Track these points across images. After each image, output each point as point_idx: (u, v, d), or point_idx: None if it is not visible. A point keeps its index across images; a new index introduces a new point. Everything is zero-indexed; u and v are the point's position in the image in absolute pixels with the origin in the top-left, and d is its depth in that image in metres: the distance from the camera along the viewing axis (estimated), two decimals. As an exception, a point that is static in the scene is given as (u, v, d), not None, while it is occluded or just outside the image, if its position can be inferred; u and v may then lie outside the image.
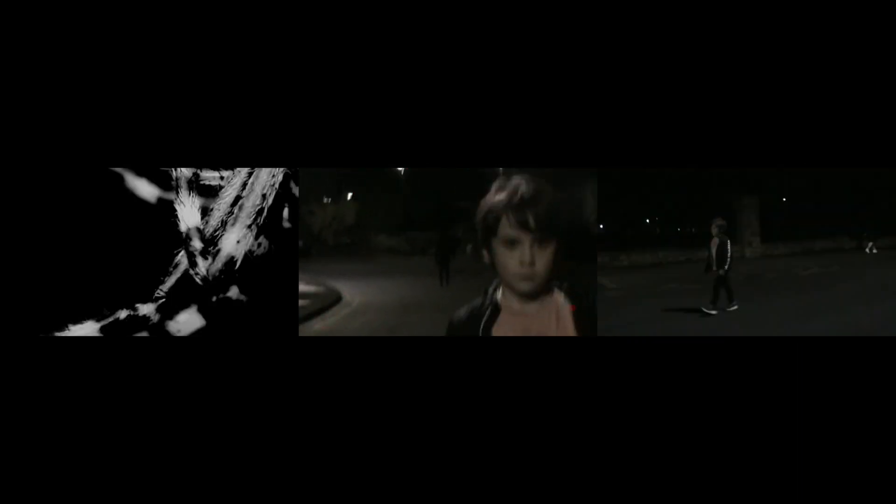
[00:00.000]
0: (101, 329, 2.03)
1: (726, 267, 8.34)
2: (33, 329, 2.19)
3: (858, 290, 9.33)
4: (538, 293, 1.84)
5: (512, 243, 1.76)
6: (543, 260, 1.76)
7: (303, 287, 7.86)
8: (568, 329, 1.81)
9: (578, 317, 1.80)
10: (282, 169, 2.45)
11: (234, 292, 2.12)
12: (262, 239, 2.20)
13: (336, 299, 10.34)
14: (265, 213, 2.11)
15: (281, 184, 2.19)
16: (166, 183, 2.34)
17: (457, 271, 12.64)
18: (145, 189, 2.14)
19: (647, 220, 16.17)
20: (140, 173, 2.24)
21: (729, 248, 8.35)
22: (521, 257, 1.75)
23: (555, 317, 1.84)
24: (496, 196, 1.79)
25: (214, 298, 2.08)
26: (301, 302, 8.08)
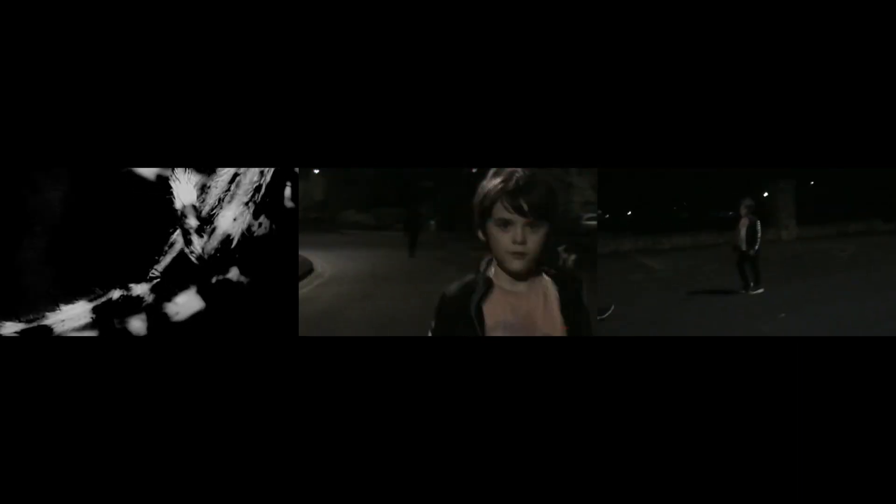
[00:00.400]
0: (94, 309, 1.95)
1: (756, 248, 8.11)
2: (22, 311, 2.08)
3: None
4: (528, 273, 1.92)
5: (505, 224, 1.84)
6: (534, 240, 1.84)
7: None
8: (554, 310, 1.90)
9: (564, 298, 1.89)
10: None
11: (234, 273, 1.99)
12: (262, 218, 2.06)
13: (308, 270, 10.50)
14: (263, 191, 2.17)
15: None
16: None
17: (421, 244, 13.16)
18: (146, 169, 2.12)
19: (675, 207, 16.80)
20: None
21: (759, 228, 8.18)
22: (513, 237, 1.83)
23: (542, 298, 1.93)
24: (492, 181, 1.87)
25: (214, 280, 1.98)
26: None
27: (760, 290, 8.20)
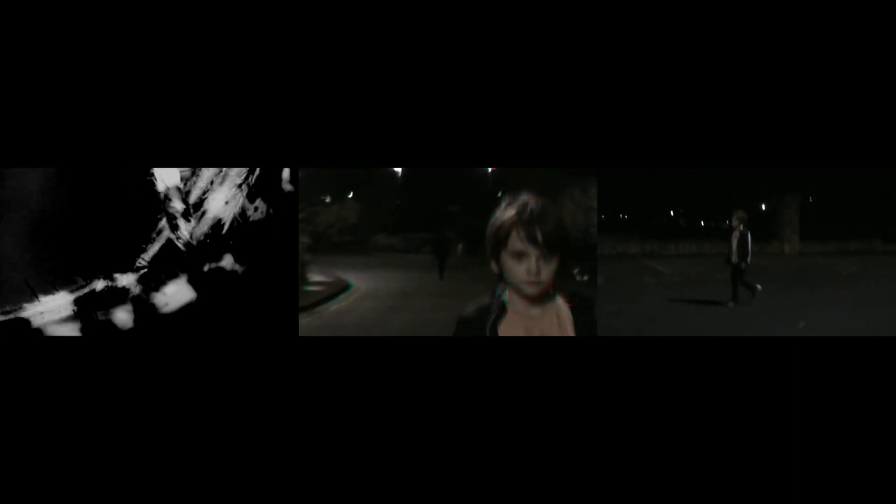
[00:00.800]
0: (75, 301, 1.78)
1: (748, 260, 7.90)
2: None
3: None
4: (542, 298, 1.97)
5: (520, 256, 1.88)
6: (548, 270, 1.89)
7: (316, 276, 10.73)
8: (567, 332, 1.96)
9: (577, 320, 1.94)
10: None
11: (227, 262, 1.85)
12: (258, 202, 2.02)
13: (345, 286, 11.30)
14: (258, 172, 2.01)
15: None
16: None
17: (448, 266, 13.92)
18: None
19: (672, 213, 17.11)
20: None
21: (750, 240, 7.93)
22: (528, 268, 1.88)
23: (556, 319, 1.99)
24: (506, 212, 1.90)
25: (206, 268, 1.84)
26: (316, 287, 9.98)
27: (759, 288, 7.93)
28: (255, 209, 1.96)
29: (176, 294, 1.80)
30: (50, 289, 1.83)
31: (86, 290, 1.85)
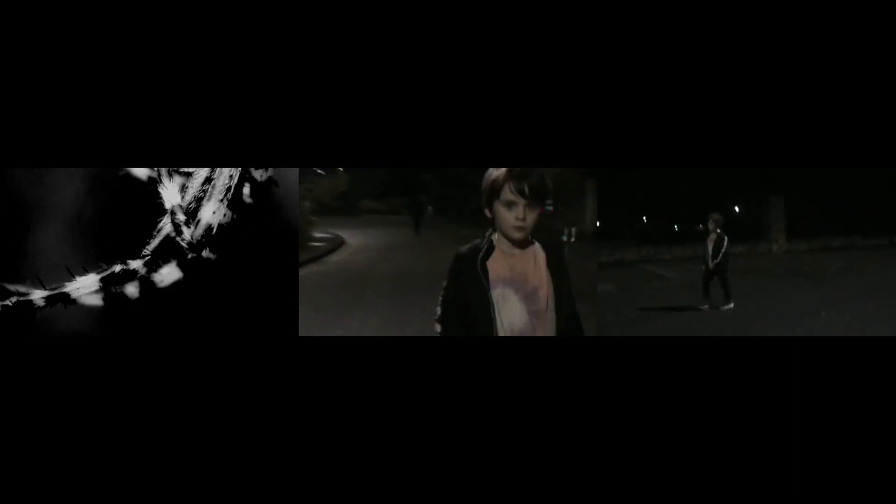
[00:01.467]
0: (101, 279, 2.36)
1: (717, 261, 7.44)
2: (46, 282, 2.43)
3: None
4: (525, 241, 2.39)
5: (510, 205, 2.31)
6: (531, 218, 2.32)
7: (318, 234, 12.51)
8: (542, 269, 2.38)
9: (549, 259, 2.38)
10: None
11: (206, 252, 2.39)
12: (226, 210, 2.43)
13: (341, 242, 13.68)
14: (233, 190, 2.32)
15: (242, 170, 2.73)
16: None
17: (422, 225, 16.58)
18: (140, 171, 2.65)
19: (644, 219, 16.84)
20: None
21: (726, 244, 7.48)
22: (516, 214, 2.30)
23: (533, 259, 2.42)
24: (497, 171, 2.36)
25: (190, 256, 2.37)
26: (318, 244, 11.72)
27: (731, 306, 7.47)
28: (225, 215, 2.64)
29: (168, 274, 2.44)
30: (82, 271, 2.30)
31: (107, 271, 2.38)
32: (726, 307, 7.47)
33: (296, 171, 3.31)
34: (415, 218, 15.73)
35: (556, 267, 2.43)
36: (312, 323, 6.69)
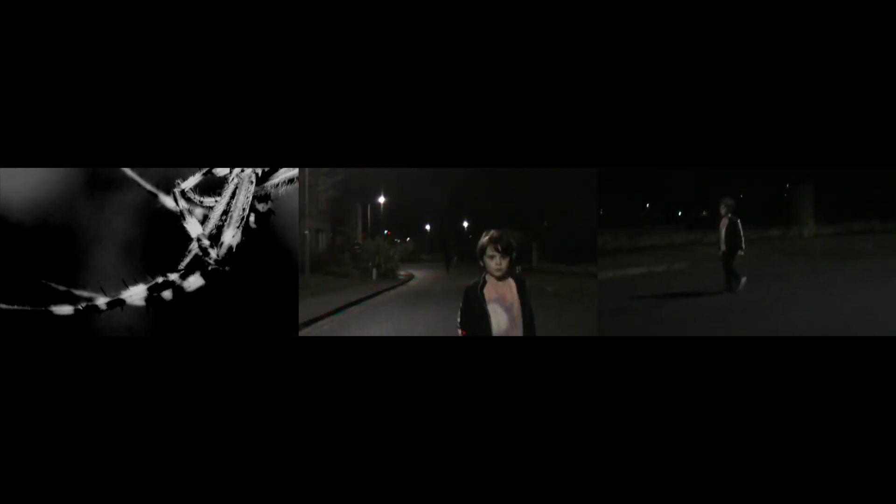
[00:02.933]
0: (148, 288, 2.83)
1: (742, 248, 6.91)
2: (106, 290, 2.74)
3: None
4: (503, 277, 3.15)
5: (492, 257, 3.15)
6: (505, 264, 3.13)
7: (402, 272, 19.64)
8: (514, 291, 3.18)
9: (518, 287, 3.19)
10: (252, 195, 2.83)
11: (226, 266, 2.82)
12: (241, 234, 2.91)
13: (411, 276, 20.13)
14: (244, 219, 2.86)
15: (251, 203, 2.79)
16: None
17: (451, 267, 23.30)
18: (170, 203, 2.85)
19: (647, 205, 16.70)
20: (167, 192, 2.81)
21: (740, 227, 6.86)
22: (497, 263, 3.15)
23: (509, 287, 3.19)
24: (483, 239, 3.16)
25: (209, 268, 2.88)
26: (402, 277, 19.11)
27: (743, 280, 6.98)
28: (233, 236, 2.80)
29: (194, 282, 2.73)
30: (133, 282, 2.80)
31: (152, 282, 2.70)
32: (739, 287, 6.82)
33: (296, 198, 3.47)
34: (446, 263, 23.50)
35: (521, 291, 3.29)
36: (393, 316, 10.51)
